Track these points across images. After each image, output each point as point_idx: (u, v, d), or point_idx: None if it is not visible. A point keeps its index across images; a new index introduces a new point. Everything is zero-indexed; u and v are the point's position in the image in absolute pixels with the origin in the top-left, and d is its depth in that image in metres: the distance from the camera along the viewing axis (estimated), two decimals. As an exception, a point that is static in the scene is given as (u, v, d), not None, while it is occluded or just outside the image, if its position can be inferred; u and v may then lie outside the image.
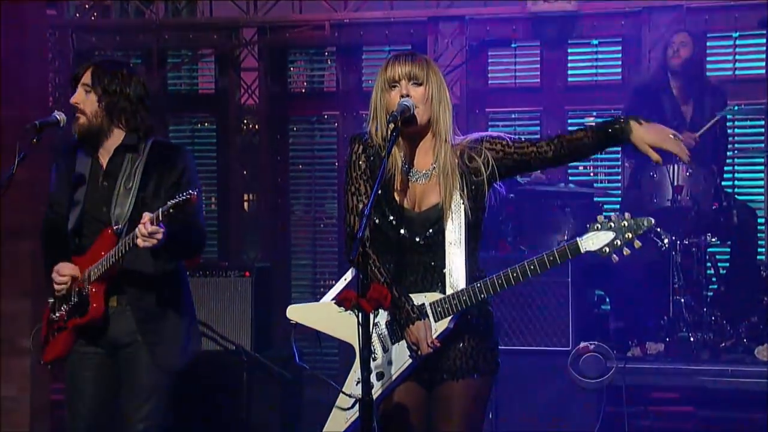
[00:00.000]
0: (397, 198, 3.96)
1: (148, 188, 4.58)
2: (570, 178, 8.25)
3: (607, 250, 3.76)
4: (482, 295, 3.86)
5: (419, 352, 3.88)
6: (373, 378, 3.92)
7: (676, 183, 7.36)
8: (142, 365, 4.59)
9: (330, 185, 9.76)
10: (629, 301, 7.58)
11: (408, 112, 3.84)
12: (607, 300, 7.87)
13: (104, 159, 4.67)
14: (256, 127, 9.75)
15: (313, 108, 9.73)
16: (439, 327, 3.89)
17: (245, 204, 9.87)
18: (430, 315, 3.90)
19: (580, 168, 9.34)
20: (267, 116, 9.66)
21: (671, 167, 7.33)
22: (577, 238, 3.77)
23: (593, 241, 3.77)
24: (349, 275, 4.22)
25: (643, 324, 7.44)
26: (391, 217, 3.94)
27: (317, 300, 4.35)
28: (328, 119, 9.78)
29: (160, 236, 4.27)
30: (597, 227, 3.77)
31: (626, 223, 3.75)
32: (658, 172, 7.51)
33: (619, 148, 8.75)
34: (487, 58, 9.27)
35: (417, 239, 3.93)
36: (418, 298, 3.92)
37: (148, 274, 4.60)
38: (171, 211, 4.21)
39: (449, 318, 3.89)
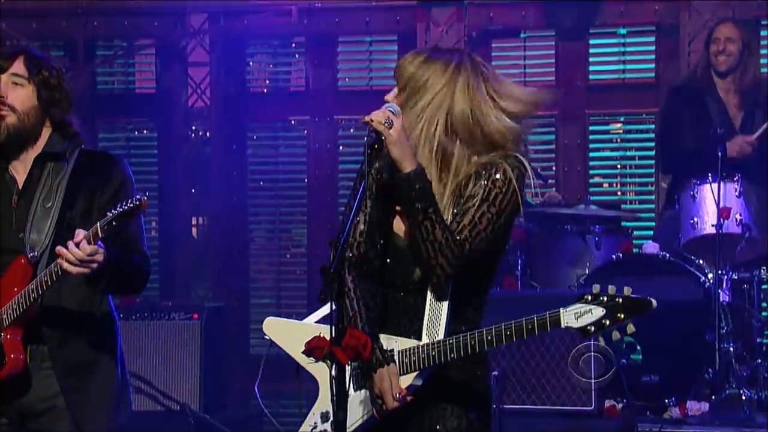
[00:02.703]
0: (394, 222, 3.93)
1: (76, 207, 4.46)
2: (592, 198, 8.26)
3: (592, 329, 3.77)
4: (452, 355, 3.85)
5: (384, 407, 3.87)
6: (327, 425, 3.94)
7: (722, 204, 7.35)
8: None
9: (298, 206, 9.75)
10: (665, 350, 7.57)
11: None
12: (638, 348, 7.86)
13: (19, 172, 4.54)
14: (207, 134, 9.74)
15: (278, 111, 9.72)
16: (403, 382, 3.87)
17: (193, 229, 9.84)
18: (397, 365, 3.89)
19: (605, 185, 9.36)
20: (220, 121, 9.65)
21: (717, 185, 7.33)
22: (561, 309, 3.79)
23: (578, 315, 3.79)
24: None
25: (683, 378, 7.44)
26: (380, 244, 3.94)
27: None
28: (295, 125, 9.78)
29: (100, 258, 4.13)
30: (587, 299, 3.79)
31: (621, 301, 3.77)
32: (699, 190, 7.52)
33: (652, 161, 8.78)
34: (491, 52, 9.29)
35: (403, 274, 3.95)
36: (388, 342, 3.90)
37: (74, 313, 4.47)
38: (114, 224, 4.09)
39: (415, 374, 3.88)
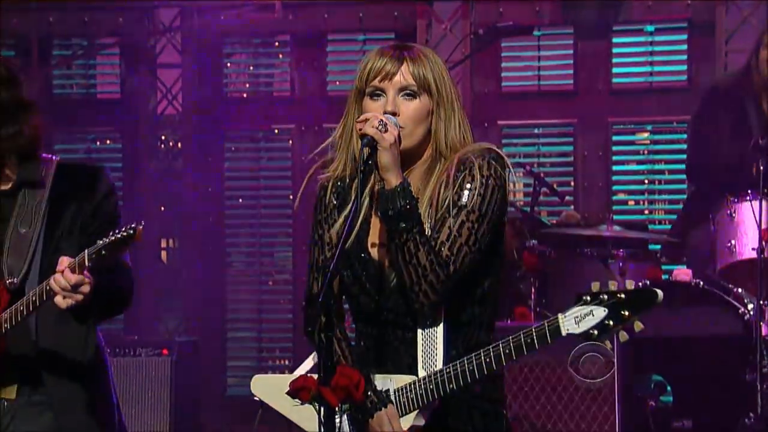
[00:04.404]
0: (369, 245, 3.96)
1: (60, 226, 4.45)
2: (615, 217, 8.25)
3: (595, 332, 3.73)
4: (450, 386, 3.84)
5: None
6: None
7: (764, 225, 7.36)
8: None
9: (282, 226, 9.74)
10: (699, 391, 7.57)
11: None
12: (669, 389, 7.86)
13: None
14: (179, 145, 9.74)
15: (259, 119, 9.73)
16: (404, 424, 3.85)
17: (162, 253, 9.84)
18: (396, 405, 3.88)
19: (630, 203, 9.36)
20: (194, 131, 9.65)
21: (758, 202, 7.33)
22: (559, 315, 3.76)
23: (578, 318, 3.75)
24: None
25: (720, 423, 7.43)
26: (362, 273, 3.95)
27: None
28: (279, 134, 9.79)
29: (87, 289, 4.10)
30: (585, 299, 3.75)
31: (623, 296, 3.73)
32: (737, 209, 7.51)
33: (685, 176, 8.79)
34: (500, 52, 9.30)
35: (391, 306, 3.95)
36: (383, 382, 3.90)
37: (64, 346, 4.42)
38: (104, 253, 4.05)
39: (415, 413, 3.87)
